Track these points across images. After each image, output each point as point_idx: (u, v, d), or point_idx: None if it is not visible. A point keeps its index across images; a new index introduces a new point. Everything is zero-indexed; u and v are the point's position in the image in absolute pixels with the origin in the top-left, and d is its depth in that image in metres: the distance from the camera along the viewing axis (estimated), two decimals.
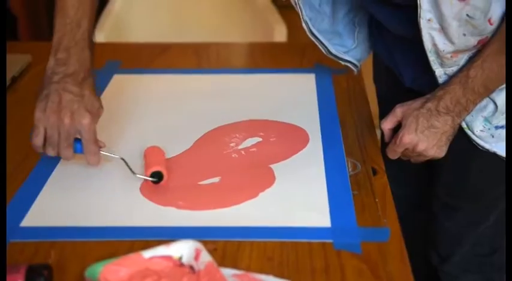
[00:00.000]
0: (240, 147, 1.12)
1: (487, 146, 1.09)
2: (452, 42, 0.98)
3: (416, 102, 1.04)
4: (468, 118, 1.06)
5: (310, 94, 1.31)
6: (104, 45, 1.78)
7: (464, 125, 1.07)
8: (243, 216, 0.94)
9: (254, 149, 1.12)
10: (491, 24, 0.95)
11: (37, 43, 1.64)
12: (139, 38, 2.07)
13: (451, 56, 1.00)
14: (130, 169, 1.01)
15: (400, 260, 0.86)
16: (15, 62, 1.42)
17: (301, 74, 1.40)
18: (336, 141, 1.13)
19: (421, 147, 1.03)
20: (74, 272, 0.84)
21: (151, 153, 1.06)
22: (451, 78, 1.02)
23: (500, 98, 1.04)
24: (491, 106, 1.05)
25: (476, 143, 1.09)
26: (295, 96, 1.30)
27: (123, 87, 1.36)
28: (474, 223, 1.22)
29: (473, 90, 0.99)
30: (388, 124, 1.07)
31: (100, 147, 1.00)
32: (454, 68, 1.02)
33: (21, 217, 0.95)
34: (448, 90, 1.00)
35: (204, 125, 1.19)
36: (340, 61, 1.23)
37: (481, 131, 1.07)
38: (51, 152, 0.98)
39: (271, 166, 1.06)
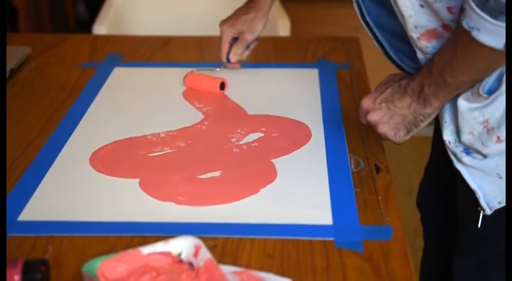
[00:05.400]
0: (241, 142, 1.11)
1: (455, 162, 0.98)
2: (408, 15, 0.90)
3: (401, 76, 1.00)
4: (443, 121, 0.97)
5: (313, 89, 1.29)
6: (105, 37, 1.76)
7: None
8: (243, 212, 0.93)
9: (256, 144, 1.10)
10: (451, 13, 0.87)
11: (37, 35, 1.62)
12: (141, 31, 2.06)
13: (418, 38, 0.93)
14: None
15: (402, 259, 0.85)
16: (14, 54, 1.39)
17: (304, 69, 1.38)
18: (339, 137, 1.12)
19: (372, 117, 0.99)
20: (72, 267, 0.83)
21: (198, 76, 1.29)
22: None
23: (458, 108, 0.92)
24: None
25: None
26: (298, 92, 1.29)
27: (124, 80, 1.35)
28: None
29: (435, 78, 0.90)
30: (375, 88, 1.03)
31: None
32: (430, 57, 0.94)
33: (19, 211, 0.94)
34: (420, 73, 0.94)
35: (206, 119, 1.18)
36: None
37: (448, 142, 0.97)
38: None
39: (273, 160, 1.05)
